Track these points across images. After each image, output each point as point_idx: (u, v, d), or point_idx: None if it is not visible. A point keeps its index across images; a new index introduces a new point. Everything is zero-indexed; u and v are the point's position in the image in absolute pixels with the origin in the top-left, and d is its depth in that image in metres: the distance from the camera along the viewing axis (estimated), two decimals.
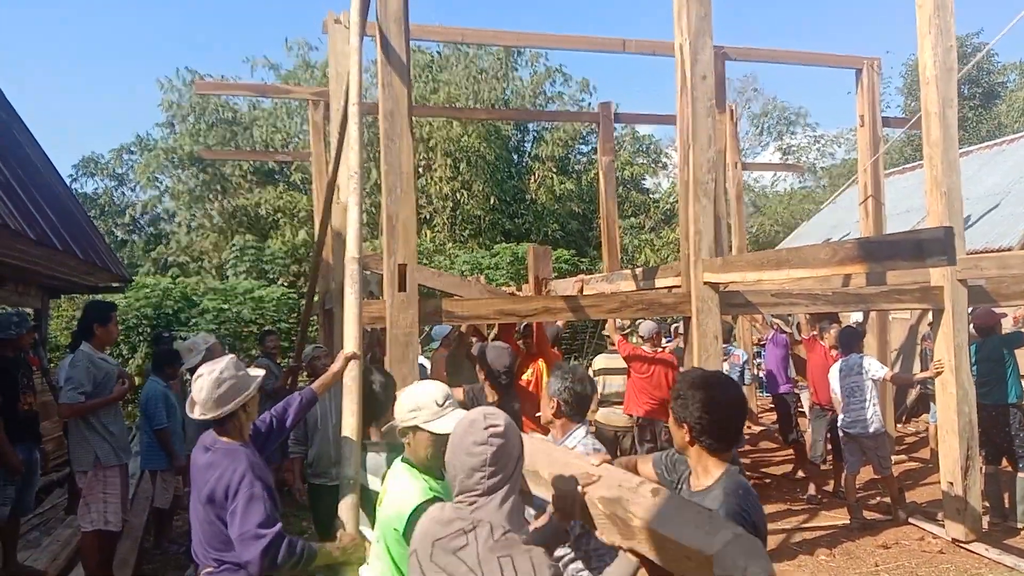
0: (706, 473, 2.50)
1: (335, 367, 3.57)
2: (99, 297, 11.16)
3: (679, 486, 2.64)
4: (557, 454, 2.61)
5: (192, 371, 5.82)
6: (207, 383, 2.95)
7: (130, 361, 14.53)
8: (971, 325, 6.89)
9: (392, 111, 5.58)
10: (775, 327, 9.22)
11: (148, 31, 54.71)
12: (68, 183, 16.10)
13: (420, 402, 2.72)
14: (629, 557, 2.17)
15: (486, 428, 2.17)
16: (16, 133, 9.56)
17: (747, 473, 8.65)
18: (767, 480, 8.86)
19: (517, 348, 7.07)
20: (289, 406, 3.40)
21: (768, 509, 7.49)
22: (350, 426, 3.49)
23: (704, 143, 6.01)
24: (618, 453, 7.24)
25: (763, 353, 15.37)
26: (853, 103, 10.11)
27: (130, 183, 25.95)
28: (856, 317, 9.84)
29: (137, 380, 13.47)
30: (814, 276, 5.99)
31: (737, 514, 2.28)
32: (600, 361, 7.82)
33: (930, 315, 6.97)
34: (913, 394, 11.61)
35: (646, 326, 7.66)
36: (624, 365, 7.46)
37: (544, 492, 2.49)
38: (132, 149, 25.13)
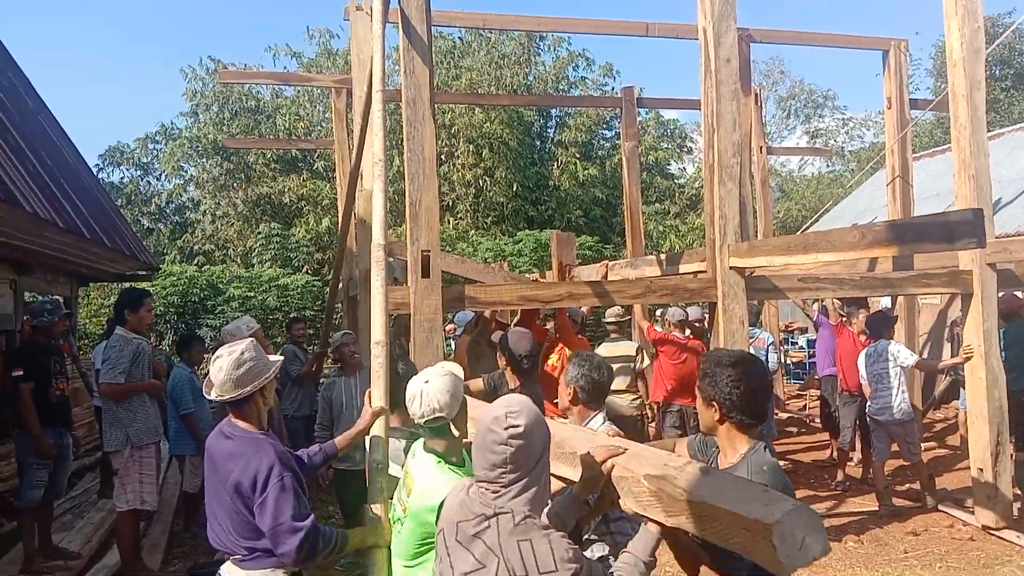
0: (734, 451, 2.53)
1: (361, 424, 3.34)
2: (127, 285, 11.30)
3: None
4: (580, 434, 2.64)
5: None
6: (226, 363, 2.88)
7: (157, 349, 14.72)
8: None
9: (414, 98, 5.58)
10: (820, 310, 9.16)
11: (170, 20, 55.07)
12: (95, 172, 16.30)
13: (446, 399, 2.77)
14: (650, 529, 2.26)
15: (506, 428, 2.19)
16: (44, 123, 9.67)
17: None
18: (790, 466, 8.81)
19: (543, 333, 7.07)
20: (313, 456, 3.29)
21: (796, 495, 7.47)
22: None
23: (729, 126, 5.95)
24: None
25: (792, 340, 15.36)
26: (880, 86, 9.98)
27: (155, 172, 26.22)
28: (884, 302, 9.73)
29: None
30: (842, 260, 5.92)
31: None
32: (601, 350, 7.75)
33: (960, 299, 6.87)
34: (943, 381, 11.47)
35: (675, 313, 7.62)
36: (625, 353, 7.44)
37: (570, 470, 2.52)
38: (157, 138, 25.37)
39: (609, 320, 7.86)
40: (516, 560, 2.09)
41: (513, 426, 2.18)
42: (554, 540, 2.12)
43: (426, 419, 2.75)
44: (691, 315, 7.68)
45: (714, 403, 2.51)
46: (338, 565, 5.69)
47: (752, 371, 2.51)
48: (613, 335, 7.79)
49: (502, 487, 2.19)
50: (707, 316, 8.06)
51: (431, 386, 2.77)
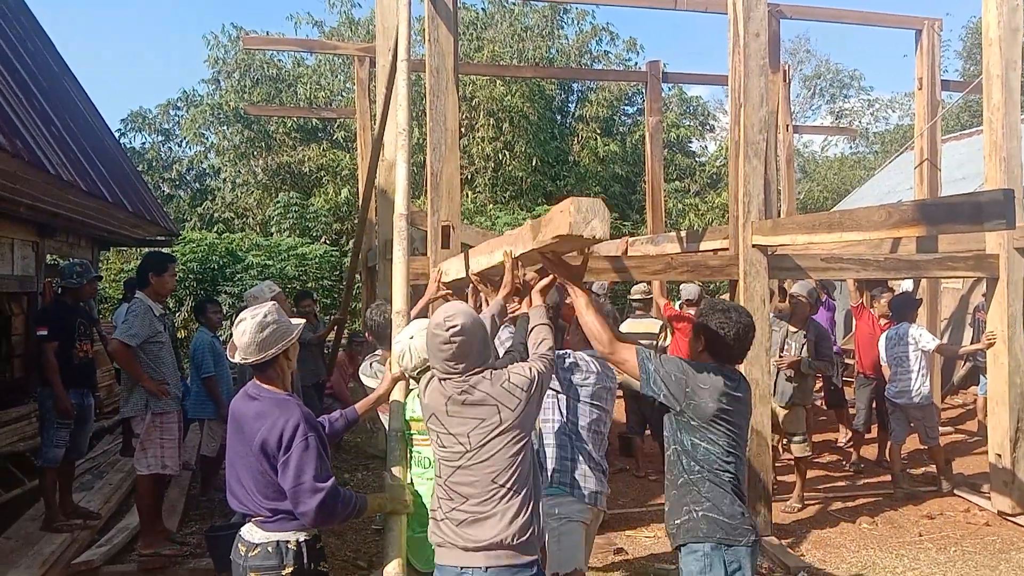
0: None
1: (380, 389, 3.43)
2: (147, 250, 11.36)
3: None
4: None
5: None
6: (250, 327, 2.88)
7: (176, 315, 14.83)
8: None
9: (438, 67, 5.53)
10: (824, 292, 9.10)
11: None
12: (117, 137, 16.37)
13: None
14: (535, 302, 3.27)
15: (447, 329, 2.71)
16: (68, 86, 9.69)
17: None
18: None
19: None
20: (334, 422, 3.30)
21: (810, 476, 7.45)
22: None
23: (756, 102, 5.87)
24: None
25: None
26: (908, 67, 9.84)
27: (176, 138, 26.21)
28: (906, 285, 9.64)
29: (182, 333, 13.81)
30: (867, 240, 5.86)
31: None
32: (625, 326, 7.72)
33: (982, 285, 6.79)
34: (962, 367, 11.39)
35: (689, 289, 7.57)
36: (648, 329, 7.43)
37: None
38: (178, 105, 25.37)
39: (635, 297, 7.88)
40: (507, 397, 2.73)
41: (452, 326, 2.70)
42: (514, 368, 2.82)
43: (419, 370, 3.16)
44: (687, 294, 7.58)
45: (702, 336, 3.15)
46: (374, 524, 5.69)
47: (743, 320, 3.10)
48: (638, 312, 7.81)
49: (459, 374, 2.74)
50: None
51: (417, 341, 3.16)
